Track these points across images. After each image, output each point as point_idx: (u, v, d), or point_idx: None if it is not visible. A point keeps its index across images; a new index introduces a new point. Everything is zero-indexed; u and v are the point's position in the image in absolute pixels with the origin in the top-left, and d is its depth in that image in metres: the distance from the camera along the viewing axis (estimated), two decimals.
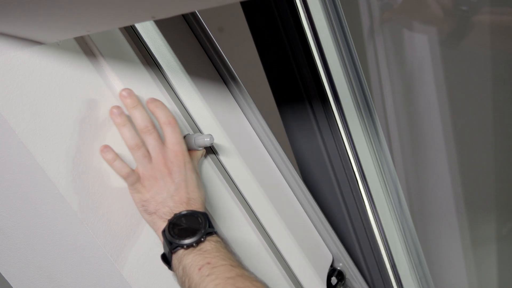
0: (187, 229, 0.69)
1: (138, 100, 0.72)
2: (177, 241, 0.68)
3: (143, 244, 0.75)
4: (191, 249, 0.68)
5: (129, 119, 0.72)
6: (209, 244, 0.69)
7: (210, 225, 0.70)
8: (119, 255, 0.71)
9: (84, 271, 0.75)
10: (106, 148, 0.70)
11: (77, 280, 0.77)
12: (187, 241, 0.68)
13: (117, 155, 0.71)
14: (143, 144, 0.72)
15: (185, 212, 0.70)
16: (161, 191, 0.72)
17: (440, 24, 1.05)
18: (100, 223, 0.69)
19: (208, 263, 0.66)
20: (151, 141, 0.71)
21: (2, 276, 0.83)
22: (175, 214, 0.70)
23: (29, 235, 0.75)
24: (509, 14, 0.97)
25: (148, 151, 0.72)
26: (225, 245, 0.70)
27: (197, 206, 0.73)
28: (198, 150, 0.79)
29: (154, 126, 0.72)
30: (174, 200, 0.72)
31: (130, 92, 0.71)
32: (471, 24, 1.00)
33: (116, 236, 0.71)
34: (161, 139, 0.73)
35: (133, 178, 0.71)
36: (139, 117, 0.71)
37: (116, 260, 0.71)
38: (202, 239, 0.68)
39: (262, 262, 0.92)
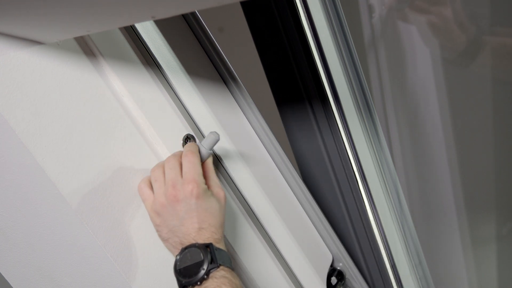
0: (191, 267, 0.69)
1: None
2: (183, 281, 0.69)
3: (143, 244, 0.75)
4: (196, 287, 0.68)
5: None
6: (212, 282, 0.68)
7: (214, 259, 0.69)
8: (119, 255, 0.71)
9: (84, 271, 0.75)
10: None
11: (77, 280, 0.77)
12: (191, 281, 0.69)
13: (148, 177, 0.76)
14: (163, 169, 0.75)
15: (188, 248, 0.70)
16: (170, 219, 0.72)
17: (440, 33, 1.05)
18: (100, 223, 0.69)
19: None
20: (167, 169, 0.74)
21: (2, 276, 0.83)
22: (182, 249, 0.71)
23: (29, 235, 0.75)
24: None
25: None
26: (231, 280, 0.69)
27: (207, 236, 0.72)
28: (207, 159, 0.79)
29: (177, 162, 0.75)
30: (183, 230, 0.72)
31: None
32: (477, 41, 0.99)
33: (116, 236, 0.71)
34: (179, 171, 0.74)
35: (145, 195, 0.75)
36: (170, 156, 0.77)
37: (116, 260, 0.71)
38: (205, 277, 0.68)
39: (262, 262, 0.92)
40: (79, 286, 0.78)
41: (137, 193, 0.75)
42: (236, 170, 0.89)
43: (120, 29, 0.76)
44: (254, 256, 0.91)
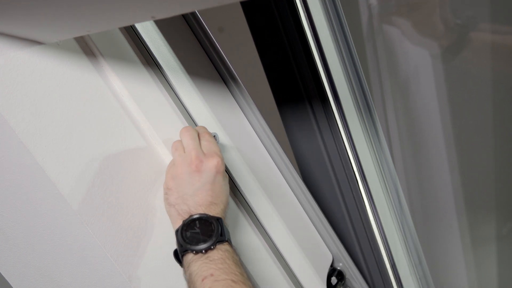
0: (199, 234, 0.69)
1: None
2: (188, 246, 0.69)
3: (143, 244, 0.75)
4: (199, 255, 0.68)
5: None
6: (217, 253, 0.68)
7: (223, 233, 0.70)
8: (119, 255, 0.71)
9: (84, 271, 0.75)
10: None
11: (77, 280, 0.77)
12: (197, 248, 0.68)
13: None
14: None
15: (199, 216, 0.70)
16: (184, 185, 0.72)
17: (440, 33, 1.05)
18: (100, 223, 0.69)
19: (211, 275, 0.66)
20: (188, 139, 0.74)
21: (2, 276, 0.83)
22: (190, 216, 0.70)
23: (29, 235, 0.75)
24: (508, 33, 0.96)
25: None
26: (233, 255, 0.70)
27: (216, 212, 0.72)
28: None
29: (196, 133, 0.76)
30: (195, 200, 0.72)
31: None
32: (468, 38, 0.99)
33: (116, 236, 0.71)
34: (199, 143, 0.75)
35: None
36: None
37: (116, 260, 0.71)
38: (212, 247, 0.68)
39: (262, 262, 0.92)
40: (79, 286, 0.78)
41: (137, 193, 0.75)
42: (236, 170, 0.89)
43: (120, 29, 0.76)
44: (254, 256, 0.91)
